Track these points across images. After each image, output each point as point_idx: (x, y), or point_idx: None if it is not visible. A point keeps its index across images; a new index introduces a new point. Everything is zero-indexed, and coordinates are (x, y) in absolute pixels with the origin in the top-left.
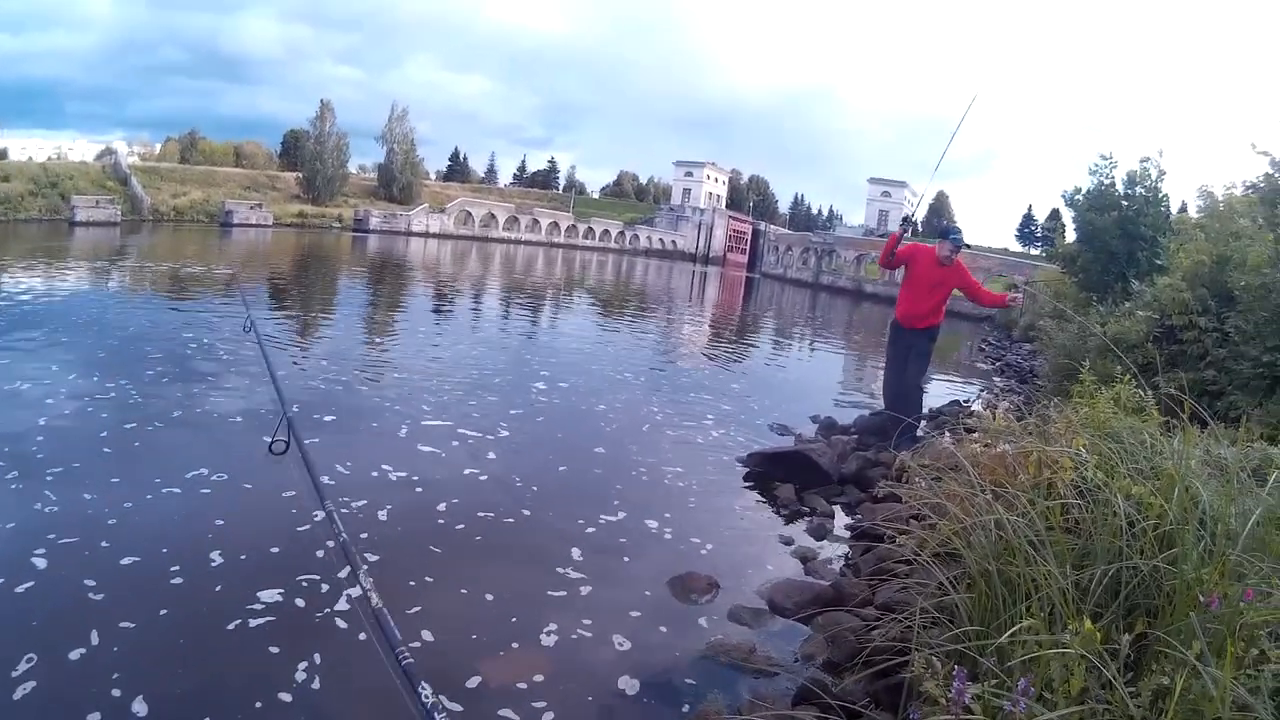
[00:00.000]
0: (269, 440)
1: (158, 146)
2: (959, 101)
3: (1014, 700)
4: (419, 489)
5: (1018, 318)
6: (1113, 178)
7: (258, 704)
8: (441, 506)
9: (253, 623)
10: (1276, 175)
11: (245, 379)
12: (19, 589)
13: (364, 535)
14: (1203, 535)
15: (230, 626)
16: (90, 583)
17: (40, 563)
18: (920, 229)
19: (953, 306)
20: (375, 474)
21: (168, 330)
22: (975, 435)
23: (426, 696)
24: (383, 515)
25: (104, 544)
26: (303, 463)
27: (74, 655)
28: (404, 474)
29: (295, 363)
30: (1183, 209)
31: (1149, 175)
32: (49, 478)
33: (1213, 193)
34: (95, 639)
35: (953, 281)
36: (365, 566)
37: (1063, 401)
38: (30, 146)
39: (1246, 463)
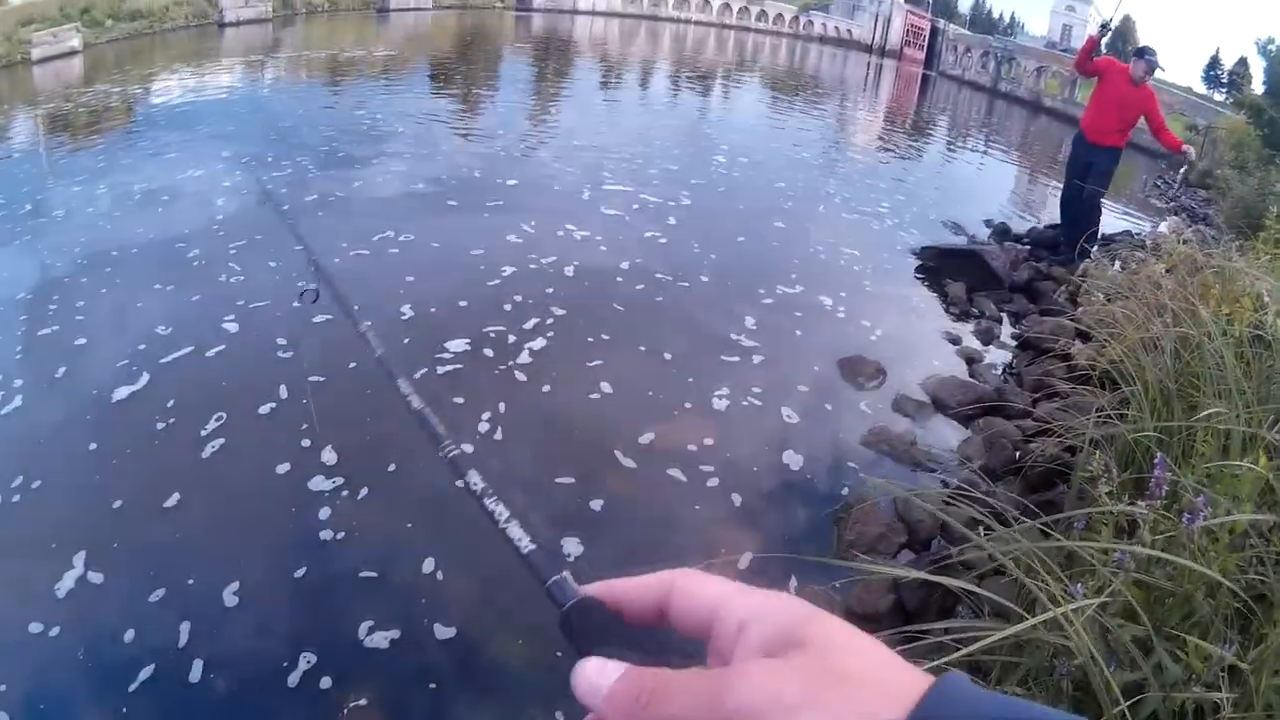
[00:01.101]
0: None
1: None
2: None
3: (1192, 515)
4: (602, 247)
5: (1196, 161)
6: None
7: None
8: (624, 265)
9: (440, 370)
10: None
11: (425, 149)
12: (210, 353)
13: (549, 290)
14: None
15: (417, 376)
16: (281, 341)
17: (231, 327)
18: (1104, 50)
19: (1132, 138)
20: (560, 233)
21: (338, 112)
22: (1155, 260)
23: (475, 483)
24: (569, 271)
25: (295, 305)
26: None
27: (263, 410)
28: (587, 233)
29: (477, 130)
30: None
31: None
32: (232, 250)
33: None
34: (284, 393)
35: (1141, 105)
36: (402, 378)
37: (1241, 250)
38: None
39: None
